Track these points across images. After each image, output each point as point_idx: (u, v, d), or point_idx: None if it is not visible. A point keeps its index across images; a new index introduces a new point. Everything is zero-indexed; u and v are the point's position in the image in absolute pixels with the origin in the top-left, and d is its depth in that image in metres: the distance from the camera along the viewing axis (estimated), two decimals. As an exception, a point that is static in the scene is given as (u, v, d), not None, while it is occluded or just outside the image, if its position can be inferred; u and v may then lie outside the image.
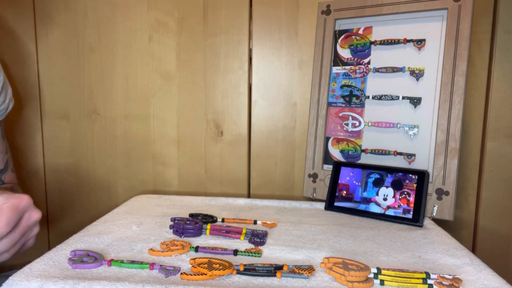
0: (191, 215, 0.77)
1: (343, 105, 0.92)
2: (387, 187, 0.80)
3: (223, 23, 0.99)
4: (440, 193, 0.79)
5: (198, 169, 1.04)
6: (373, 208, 0.80)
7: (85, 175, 1.05)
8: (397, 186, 0.79)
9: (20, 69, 1.02)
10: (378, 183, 0.81)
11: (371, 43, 0.89)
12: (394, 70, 0.86)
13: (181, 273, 0.49)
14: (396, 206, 0.78)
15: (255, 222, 0.74)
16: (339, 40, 0.93)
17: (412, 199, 0.77)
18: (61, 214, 1.07)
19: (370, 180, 0.83)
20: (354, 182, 0.84)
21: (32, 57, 1.02)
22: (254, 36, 0.99)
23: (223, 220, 0.75)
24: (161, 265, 0.52)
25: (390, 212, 0.78)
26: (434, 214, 0.79)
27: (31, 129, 1.05)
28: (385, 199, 0.79)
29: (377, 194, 0.81)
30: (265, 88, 1.00)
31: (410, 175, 0.79)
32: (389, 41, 0.87)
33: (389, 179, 0.81)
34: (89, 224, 0.71)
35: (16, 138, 1.05)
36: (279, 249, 0.61)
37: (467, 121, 0.91)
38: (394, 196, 0.79)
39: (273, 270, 0.51)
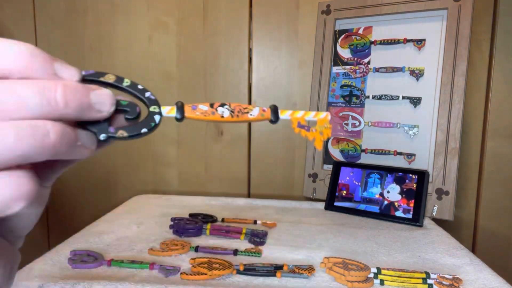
0: (191, 215, 0.76)
1: (343, 105, 0.92)
2: (392, 183, 0.80)
3: (223, 23, 0.99)
4: (440, 193, 0.79)
5: (198, 169, 1.04)
6: (373, 203, 0.80)
7: (85, 175, 1.05)
8: (400, 181, 0.79)
9: (20, 69, 1.02)
10: (383, 178, 0.81)
11: (371, 43, 0.89)
12: (394, 70, 0.86)
13: (181, 273, 0.49)
14: (397, 206, 0.78)
15: (255, 222, 0.74)
16: (339, 40, 0.93)
17: (412, 199, 0.77)
18: (61, 214, 1.07)
19: (371, 180, 0.83)
20: (354, 182, 0.84)
21: (32, 57, 1.02)
22: (254, 36, 0.99)
23: (223, 220, 0.75)
24: (161, 265, 0.52)
25: (397, 213, 0.78)
26: (434, 214, 0.79)
27: (31, 129, 1.05)
28: (388, 192, 0.79)
29: (382, 189, 0.81)
30: (265, 88, 1.00)
31: (410, 175, 0.79)
32: (389, 41, 0.87)
33: (389, 178, 0.81)
34: (89, 224, 0.71)
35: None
36: (279, 249, 0.61)
37: (467, 121, 0.91)
38: (400, 193, 0.79)
39: (273, 270, 0.51)
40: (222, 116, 0.27)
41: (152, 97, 0.26)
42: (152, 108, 0.25)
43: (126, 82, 0.25)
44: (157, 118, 0.25)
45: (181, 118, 0.27)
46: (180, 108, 0.27)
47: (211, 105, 0.27)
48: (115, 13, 1.00)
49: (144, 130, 0.24)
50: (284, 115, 0.29)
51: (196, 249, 0.59)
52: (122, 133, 0.24)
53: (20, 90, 0.18)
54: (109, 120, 0.23)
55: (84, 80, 0.23)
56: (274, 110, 0.29)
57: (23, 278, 0.48)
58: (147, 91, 0.25)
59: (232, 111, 0.27)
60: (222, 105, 0.27)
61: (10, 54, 0.19)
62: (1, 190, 0.17)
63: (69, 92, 0.20)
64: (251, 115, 0.28)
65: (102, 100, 0.22)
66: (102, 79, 0.24)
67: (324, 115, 0.29)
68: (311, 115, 0.29)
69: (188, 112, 0.27)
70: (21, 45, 0.19)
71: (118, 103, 0.24)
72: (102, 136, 0.23)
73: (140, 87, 0.25)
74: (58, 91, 0.19)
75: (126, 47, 1.01)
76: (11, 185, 0.18)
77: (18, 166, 0.18)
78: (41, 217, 1.15)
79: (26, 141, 0.17)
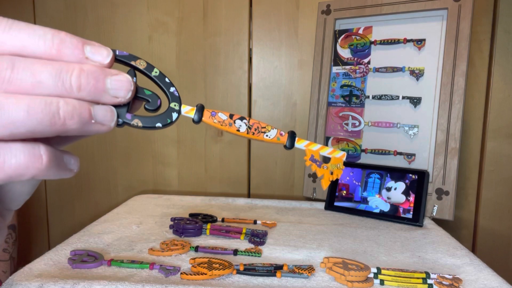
0: (191, 215, 0.77)
1: (343, 105, 0.92)
2: (395, 181, 0.79)
3: (223, 23, 0.99)
4: (440, 193, 0.79)
5: (198, 169, 1.04)
6: (375, 203, 0.80)
7: (85, 175, 1.05)
8: (402, 178, 0.79)
9: (20, 69, 1.02)
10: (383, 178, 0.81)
11: (371, 43, 0.89)
12: (394, 70, 0.86)
13: (181, 273, 0.49)
14: (406, 207, 0.78)
15: (255, 222, 0.74)
16: (339, 40, 0.93)
17: (412, 199, 0.77)
18: (61, 214, 1.07)
19: (371, 180, 0.83)
20: (354, 182, 0.84)
21: (32, 57, 1.02)
22: (254, 36, 0.99)
23: (223, 220, 0.75)
24: (161, 265, 0.52)
25: (395, 211, 0.78)
26: (434, 214, 0.79)
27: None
28: (388, 189, 0.79)
29: (383, 188, 0.80)
30: (265, 88, 1.00)
31: (410, 175, 0.79)
32: (389, 41, 0.87)
33: (393, 176, 0.81)
34: (89, 224, 0.71)
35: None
36: (279, 249, 0.61)
37: (467, 121, 0.91)
38: (404, 192, 0.78)
39: (273, 270, 0.51)
40: (238, 130, 0.27)
41: (176, 93, 0.25)
42: (172, 105, 0.25)
43: (155, 72, 0.25)
44: (174, 115, 0.25)
45: (198, 121, 0.26)
46: (200, 111, 0.26)
47: (230, 116, 0.27)
48: (115, 13, 1.00)
49: (158, 124, 0.24)
50: (300, 144, 0.28)
51: (196, 249, 0.59)
52: (137, 122, 0.24)
53: (39, 70, 0.19)
54: (128, 105, 0.23)
55: (117, 60, 0.23)
56: (291, 136, 0.28)
57: (23, 278, 0.48)
58: (172, 86, 0.25)
59: (249, 127, 0.27)
60: (241, 118, 0.27)
61: (41, 41, 0.20)
62: (15, 158, 0.18)
63: (84, 76, 0.20)
64: (267, 136, 0.27)
65: (119, 87, 0.22)
66: (133, 63, 0.24)
67: (341, 154, 0.29)
68: (326, 151, 0.28)
69: (206, 117, 0.26)
70: (53, 32, 0.20)
71: (141, 91, 0.24)
72: (118, 121, 0.23)
73: (167, 80, 0.25)
74: (74, 75, 0.20)
75: (126, 47, 1.01)
76: (25, 153, 0.19)
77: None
78: (41, 217, 1.14)
79: (36, 116, 0.18)
